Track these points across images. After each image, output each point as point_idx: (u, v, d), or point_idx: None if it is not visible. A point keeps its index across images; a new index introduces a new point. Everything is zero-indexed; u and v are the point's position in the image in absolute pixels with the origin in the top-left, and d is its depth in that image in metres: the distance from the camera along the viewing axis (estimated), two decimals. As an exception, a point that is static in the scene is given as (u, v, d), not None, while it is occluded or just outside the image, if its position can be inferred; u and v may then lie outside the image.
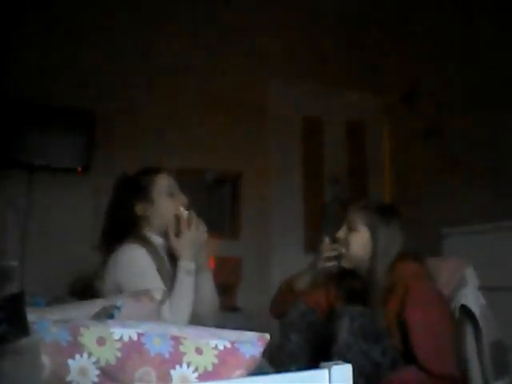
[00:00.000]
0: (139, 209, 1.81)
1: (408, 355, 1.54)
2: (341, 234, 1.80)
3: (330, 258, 1.84)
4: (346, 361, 1.41)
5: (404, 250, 1.70)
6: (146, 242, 1.76)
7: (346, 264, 1.78)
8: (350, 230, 1.77)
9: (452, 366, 1.51)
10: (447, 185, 3.40)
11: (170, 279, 1.70)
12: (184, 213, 1.79)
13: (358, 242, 1.74)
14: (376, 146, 4.11)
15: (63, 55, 3.12)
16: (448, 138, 3.46)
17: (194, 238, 1.73)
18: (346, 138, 4.04)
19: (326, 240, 1.86)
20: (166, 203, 1.81)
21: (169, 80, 3.41)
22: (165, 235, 1.81)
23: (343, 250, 1.78)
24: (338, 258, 1.81)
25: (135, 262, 1.69)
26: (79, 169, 3.04)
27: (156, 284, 1.63)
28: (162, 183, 1.84)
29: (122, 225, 1.80)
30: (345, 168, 3.99)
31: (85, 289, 1.84)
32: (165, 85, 3.40)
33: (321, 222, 3.80)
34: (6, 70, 2.93)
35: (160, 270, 1.72)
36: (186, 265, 1.68)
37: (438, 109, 3.56)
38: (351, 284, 1.81)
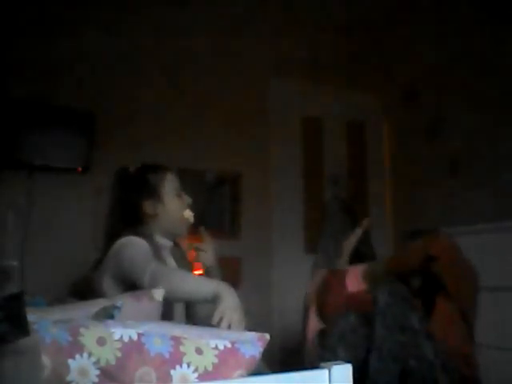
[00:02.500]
0: (148, 207, 1.76)
1: None
2: None
3: None
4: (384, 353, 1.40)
5: None
6: (148, 240, 1.70)
7: None
8: None
9: None
10: (447, 185, 3.40)
11: None
12: (190, 216, 1.80)
13: None
14: (376, 146, 4.11)
15: (63, 55, 3.12)
16: (448, 138, 3.45)
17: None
18: (346, 137, 4.03)
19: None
20: (175, 203, 1.79)
21: (169, 80, 3.41)
22: (170, 236, 1.80)
23: None
24: None
25: (139, 252, 1.60)
26: (79, 169, 3.04)
27: None
28: (171, 183, 1.82)
29: (127, 222, 1.74)
30: (345, 168, 3.99)
31: (85, 289, 1.83)
32: (165, 85, 3.40)
33: (321, 222, 3.79)
34: (7, 70, 2.93)
35: None
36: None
37: (438, 109, 3.56)
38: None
